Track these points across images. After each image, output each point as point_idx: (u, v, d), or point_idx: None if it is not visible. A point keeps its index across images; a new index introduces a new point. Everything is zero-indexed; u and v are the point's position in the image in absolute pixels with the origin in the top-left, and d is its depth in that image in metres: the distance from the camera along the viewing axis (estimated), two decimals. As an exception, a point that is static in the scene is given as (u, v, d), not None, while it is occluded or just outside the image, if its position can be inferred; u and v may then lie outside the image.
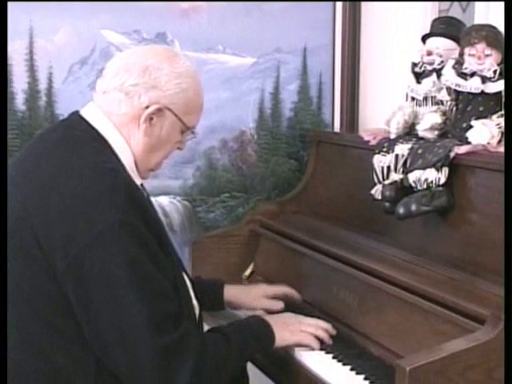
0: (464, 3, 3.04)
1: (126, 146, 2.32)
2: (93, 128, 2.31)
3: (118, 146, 2.31)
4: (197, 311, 2.46)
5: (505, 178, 2.11)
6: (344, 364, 2.43)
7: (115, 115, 2.32)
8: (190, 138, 2.46)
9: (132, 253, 2.14)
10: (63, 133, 2.36)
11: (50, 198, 2.18)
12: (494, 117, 2.56)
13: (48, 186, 2.21)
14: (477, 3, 2.93)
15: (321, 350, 2.53)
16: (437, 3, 3.14)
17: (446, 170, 2.54)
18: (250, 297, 2.88)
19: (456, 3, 3.08)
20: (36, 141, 2.50)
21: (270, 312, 2.81)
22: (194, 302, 2.46)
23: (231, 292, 2.87)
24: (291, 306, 2.84)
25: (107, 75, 2.34)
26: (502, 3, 2.77)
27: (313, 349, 2.52)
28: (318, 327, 2.57)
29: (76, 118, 2.37)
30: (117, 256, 2.12)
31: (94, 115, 2.34)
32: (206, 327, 2.59)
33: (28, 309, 2.23)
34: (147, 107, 2.31)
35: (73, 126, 2.35)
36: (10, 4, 3.07)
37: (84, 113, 2.36)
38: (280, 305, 2.87)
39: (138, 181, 2.34)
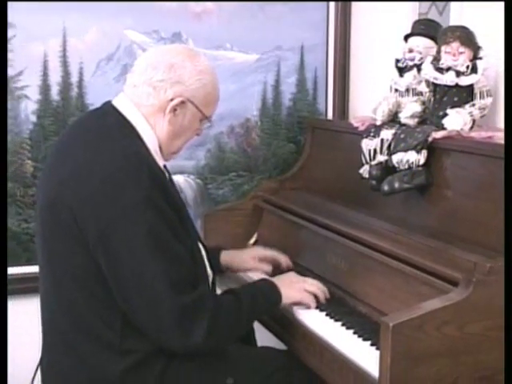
0: (441, 7, 3.03)
1: (152, 133, 2.33)
2: (123, 116, 2.33)
3: (145, 133, 2.32)
4: (210, 277, 2.47)
5: (505, 172, 2.11)
6: (336, 320, 2.44)
7: (143, 106, 2.33)
8: (208, 126, 2.47)
9: (154, 225, 2.15)
10: (96, 120, 2.38)
11: (84, 177, 2.20)
12: (467, 106, 2.56)
13: (82, 168, 2.23)
14: (452, 7, 2.92)
15: (316, 308, 2.54)
16: (417, 7, 3.13)
17: (424, 152, 2.54)
18: (242, 259, 2.91)
19: (433, 7, 3.07)
20: (72, 127, 2.52)
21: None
22: (208, 269, 2.47)
23: (227, 257, 2.88)
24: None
25: (136, 71, 2.35)
26: (475, 6, 2.77)
27: (310, 307, 2.54)
28: (318, 287, 2.59)
29: (108, 107, 2.38)
30: (141, 227, 2.14)
31: (124, 105, 2.35)
32: (218, 291, 2.60)
33: (65, 272, 2.26)
34: (172, 100, 2.32)
35: (105, 114, 2.37)
36: (46, 7, 3.09)
37: (115, 102, 2.38)
38: (267, 268, 2.90)
39: (161, 163, 2.36)
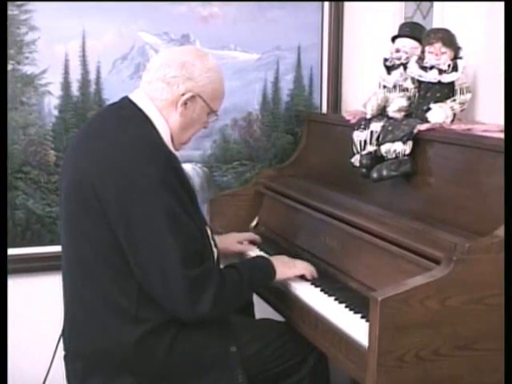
0: (425, 11, 3.02)
1: (165, 124, 2.36)
2: (139, 109, 2.35)
3: (159, 124, 2.34)
4: (215, 254, 2.49)
5: (505, 172, 2.12)
6: (329, 295, 2.45)
7: (158, 100, 2.35)
8: (214, 119, 2.50)
9: (169, 204, 2.18)
10: (116, 112, 2.41)
11: (106, 161, 2.23)
12: (448, 101, 2.56)
13: (104, 153, 2.25)
14: (435, 11, 2.92)
15: (311, 284, 2.55)
16: (403, 11, 3.13)
17: (410, 143, 2.54)
18: (226, 244, 2.88)
19: (418, 11, 3.07)
20: (94, 118, 2.55)
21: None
22: (214, 248, 2.49)
23: None
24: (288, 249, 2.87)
25: (151, 69, 2.38)
26: (456, 7, 2.77)
27: (306, 277, 2.58)
28: (306, 268, 2.61)
29: (126, 101, 2.40)
30: (157, 207, 2.17)
31: (140, 99, 2.37)
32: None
33: (88, 247, 2.29)
34: (183, 94, 2.35)
35: (123, 107, 2.39)
36: (67, 11, 3.10)
37: (132, 97, 2.40)
38: (251, 247, 2.96)
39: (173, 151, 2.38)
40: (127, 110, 2.37)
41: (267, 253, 2.89)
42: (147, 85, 2.38)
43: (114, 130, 2.32)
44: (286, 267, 2.56)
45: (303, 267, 2.60)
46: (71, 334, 2.43)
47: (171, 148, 2.37)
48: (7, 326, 2.37)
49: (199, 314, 2.24)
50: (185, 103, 2.36)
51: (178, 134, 2.40)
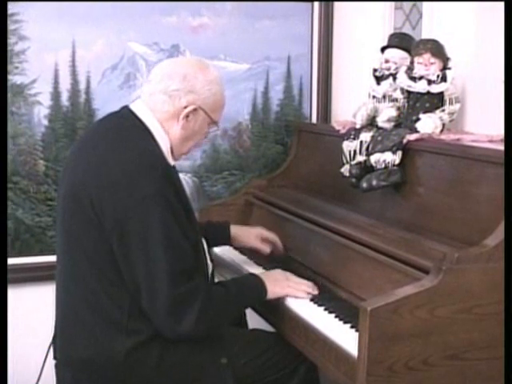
0: (414, 22, 3.04)
1: (165, 136, 2.36)
2: (139, 120, 2.35)
3: (159, 135, 2.35)
4: (210, 269, 2.48)
5: (505, 174, 2.12)
6: (319, 305, 2.44)
7: (158, 112, 2.36)
8: (215, 130, 2.50)
9: (164, 218, 2.18)
10: (115, 122, 2.41)
11: (103, 172, 2.24)
12: (438, 111, 2.58)
13: (102, 163, 2.26)
14: (424, 22, 2.93)
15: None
16: (392, 22, 3.14)
17: (399, 153, 2.55)
18: (248, 236, 2.90)
19: (407, 22, 3.08)
20: (93, 127, 2.57)
21: (259, 252, 2.89)
22: (209, 262, 2.48)
23: (234, 230, 2.90)
24: (278, 259, 2.88)
25: (153, 80, 2.39)
26: (444, 21, 2.79)
27: (300, 297, 2.51)
28: (301, 284, 2.54)
29: (126, 111, 2.41)
30: (152, 220, 2.17)
31: (141, 110, 2.38)
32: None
33: (81, 256, 2.29)
34: (185, 107, 2.35)
35: (123, 117, 2.40)
36: (56, 21, 3.11)
37: (133, 107, 2.41)
38: (267, 250, 2.90)
39: (171, 162, 2.39)
40: (127, 120, 2.38)
41: (260, 265, 2.89)
42: (148, 96, 2.39)
43: (112, 141, 2.33)
44: (278, 287, 2.50)
45: (297, 288, 2.52)
46: (62, 342, 2.42)
47: (170, 160, 2.38)
48: (7, 333, 2.36)
49: (180, 333, 2.24)
50: (186, 116, 2.36)
51: (178, 145, 2.41)
